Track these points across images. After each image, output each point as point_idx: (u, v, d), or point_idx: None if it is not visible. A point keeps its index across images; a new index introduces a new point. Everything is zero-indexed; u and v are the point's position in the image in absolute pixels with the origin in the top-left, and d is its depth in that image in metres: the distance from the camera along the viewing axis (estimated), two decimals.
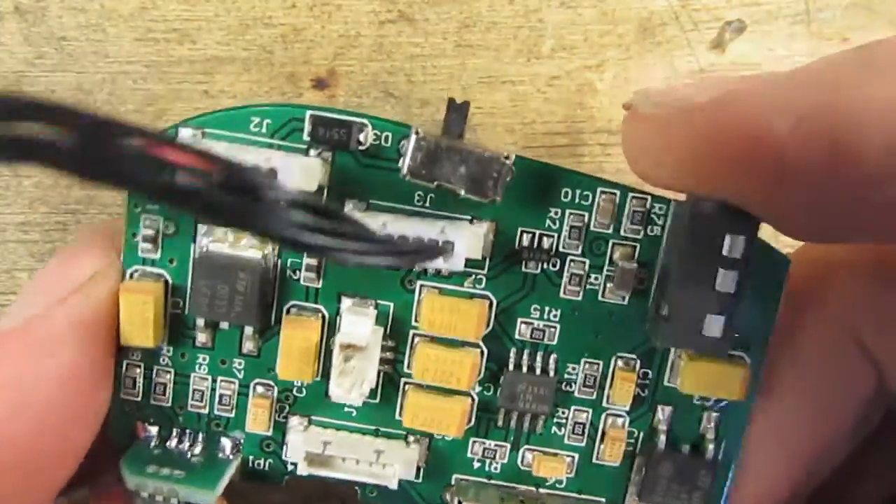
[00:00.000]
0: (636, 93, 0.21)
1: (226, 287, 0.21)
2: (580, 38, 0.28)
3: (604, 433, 0.24)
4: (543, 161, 0.22)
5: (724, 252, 0.20)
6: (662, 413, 0.23)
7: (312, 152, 0.22)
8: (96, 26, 0.28)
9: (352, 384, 0.22)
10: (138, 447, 0.23)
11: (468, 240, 0.21)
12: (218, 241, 0.22)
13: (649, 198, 0.22)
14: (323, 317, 0.23)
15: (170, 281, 0.22)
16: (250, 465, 0.24)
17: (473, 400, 0.23)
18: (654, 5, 0.27)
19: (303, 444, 0.23)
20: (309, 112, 0.22)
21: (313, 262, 0.22)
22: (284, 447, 0.24)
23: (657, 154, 0.20)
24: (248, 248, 0.22)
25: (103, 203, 0.29)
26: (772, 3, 0.27)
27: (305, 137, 0.22)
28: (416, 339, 0.23)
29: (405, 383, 0.23)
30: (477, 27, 0.28)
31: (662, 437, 0.23)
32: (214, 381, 0.23)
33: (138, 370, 0.23)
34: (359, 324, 0.22)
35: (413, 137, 0.20)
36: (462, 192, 0.20)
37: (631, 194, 0.22)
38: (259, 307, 0.22)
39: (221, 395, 0.23)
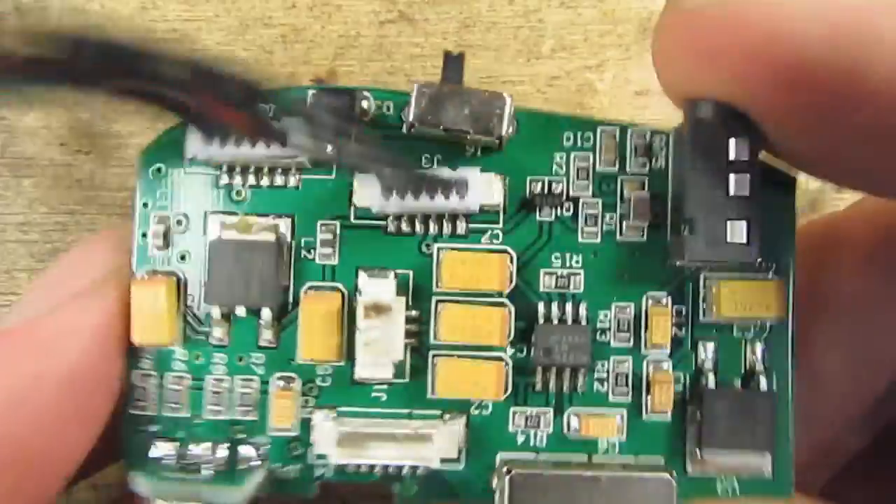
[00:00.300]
0: None
1: (242, 269, 0.21)
2: (580, 38, 0.28)
3: (648, 382, 0.22)
4: (540, 111, 0.22)
5: (731, 157, 0.20)
6: (705, 351, 0.22)
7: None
8: (96, 27, 0.28)
9: (377, 355, 0.21)
10: (154, 461, 0.22)
11: (481, 182, 0.21)
12: (229, 230, 0.21)
13: (649, 131, 0.22)
14: (342, 293, 0.22)
15: (182, 278, 0.22)
16: (278, 474, 0.22)
17: (507, 364, 0.22)
18: (654, 5, 0.28)
19: (334, 427, 0.21)
20: (311, 92, 0.22)
21: (329, 236, 0.22)
22: (311, 447, 0.22)
23: (693, 51, 0.19)
24: (260, 231, 0.21)
25: (103, 203, 0.29)
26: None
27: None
28: (440, 305, 0.22)
29: (434, 355, 0.22)
30: (477, 27, 0.28)
31: (711, 377, 0.22)
32: (233, 381, 0.22)
33: (150, 380, 0.22)
34: (380, 284, 0.21)
35: (416, 87, 0.20)
36: (470, 132, 0.20)
37: (630, 129, 0.22)
38: (277, 286, 0.21)
39: (242, 395, 0.22)
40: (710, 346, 0.22)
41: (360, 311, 0.21)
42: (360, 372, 0.21)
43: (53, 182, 0.29)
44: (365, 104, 0.21)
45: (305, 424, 0.22)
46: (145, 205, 0.22)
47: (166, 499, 0.21)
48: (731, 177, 0.20)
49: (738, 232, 0.20)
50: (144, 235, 0.22)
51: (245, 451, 0.22)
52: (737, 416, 0.22)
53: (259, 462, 0.22)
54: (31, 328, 0.20)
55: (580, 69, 0.28)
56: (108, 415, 0.21)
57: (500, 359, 0.22)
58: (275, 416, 0.22)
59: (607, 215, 0.22)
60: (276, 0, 0.27)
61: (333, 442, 0.21)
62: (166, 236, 0.22)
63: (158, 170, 0.22)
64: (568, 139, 0.22)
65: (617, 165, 0.22)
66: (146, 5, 0.27)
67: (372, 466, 0.22)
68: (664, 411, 0.22)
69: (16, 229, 0.29)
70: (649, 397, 0.22)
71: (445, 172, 0.21)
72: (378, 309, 0.21)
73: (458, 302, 0.22)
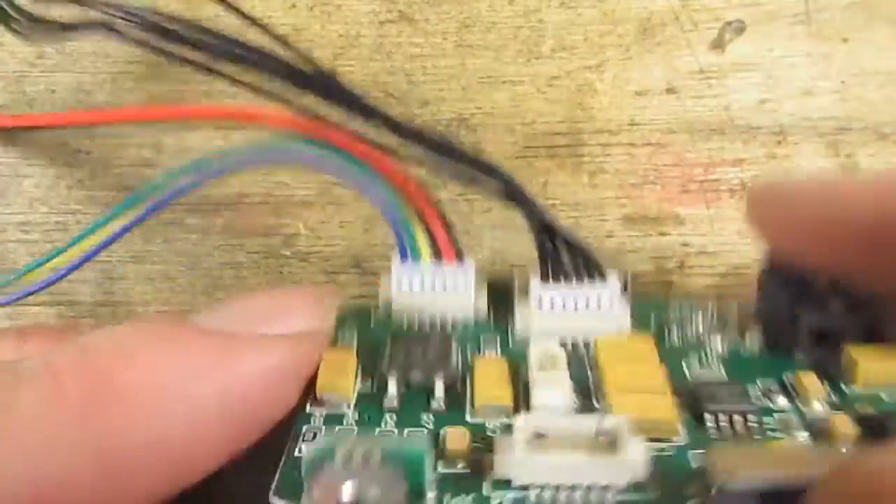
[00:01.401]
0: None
1: (419, 348, 0.23)
2: (580, 38, 0.28)
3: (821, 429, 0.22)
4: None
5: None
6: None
7: None
8: None
9: (551, 390, 0.22)
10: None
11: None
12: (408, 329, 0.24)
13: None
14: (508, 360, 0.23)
15: (364, 348, 0.24)
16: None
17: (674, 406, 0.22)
18: (654, 5, 0.28)
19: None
20: None
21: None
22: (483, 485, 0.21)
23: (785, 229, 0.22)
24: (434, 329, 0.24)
25: (103, 203, 0.29)
26: (772, 3, 0.28)
27: None
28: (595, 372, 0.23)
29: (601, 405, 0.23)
30: (477, 27, 0.28)
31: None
32: (402, 433, 0.22)
33: (320, 432, 0.22)
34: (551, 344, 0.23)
35: None
36: None
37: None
38: (450, 361, 0.23)
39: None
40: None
41: (534, 364, 0.22)
42: (539, 398, 0.22)
43: (53, 182, 0.29)
44: None
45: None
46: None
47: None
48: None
49: None
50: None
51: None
52: None
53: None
54: (219, 333, 0.21)
55: (580, 69, 0.28)
56: (235, 454, 0.21)
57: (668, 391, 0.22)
58: (449, 441, 0.21)
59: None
60: (276, 0, 0.27)
61: (524, 440, 0.21)
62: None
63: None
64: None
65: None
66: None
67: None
68: None
69: (16, 229, 0.29)
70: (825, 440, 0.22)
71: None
72: (553, 361, 0.22)
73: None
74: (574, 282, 0.23)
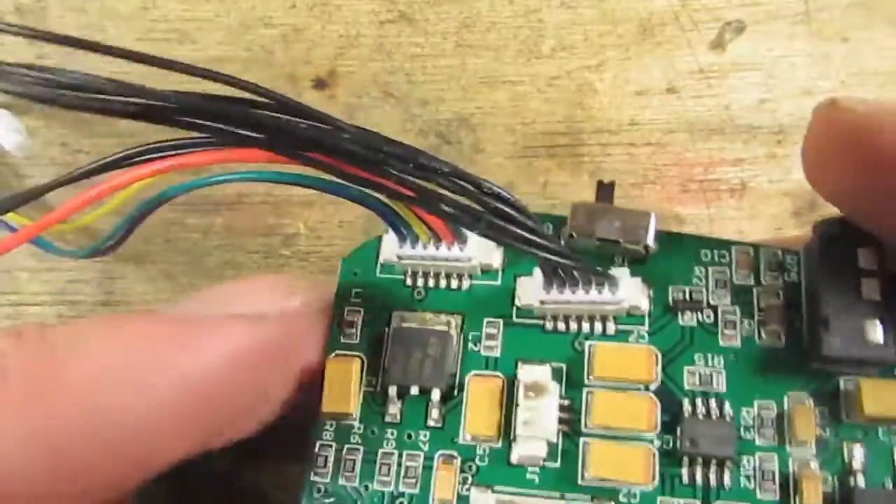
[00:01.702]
0: (843, 98, 0.22)
1: (419, 352, 0.24)
2: (580, 38, 0.28)
3: (796, 480, 0.23)
4: (677, 232, 0.24)
5: (861, 265, 0.21)
6: (852, 451, 0.23)
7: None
8: (96, 26, 0.28)
9: (534, 433, 0.23)
10: None
11: (630, 283, 0.24)
12: (409, 322, 0.25)
13: (779, 251, 0.24)
14: (503, 379, 0.24)
15: (365, 360, 0.25)
16: None
17: (654, 452, 0.23)
18: (654, 5, 0.28)
19: (491, 497, 0.24)
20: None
21: (493, 331, 0.25)
22: None
23: (848, 156, 0.21)
24: (435, 324, 0.25)
25: (103, 203, 0.29)
26: (772, 3, 0.28)
27: None
28: (589, 394, 0.24)
29: (584, 442, 0.24)
30: (477, 27, 0.28)
31: (860, 477, 0.23)
32: (401, 454, 0.24)
33: (330, 450, 0.24)
34: (537, 369, 0.24)
35: (572, 205, 0.23)
36: (620, 241, 0.23)
37: (761, 248, 0.24)
38: (446, 369, 0.24)
39: (407, 468, 0.24)
40: (857, 446, 0.23)
41: (520, 390, 0.23)
42: (518, 450, 0.23)
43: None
44: None
45: (462, 500, 0.24)
46: (341, 302, 0.25)
47: None
48: (862, 281, 0.22)
49: (875, 331, 0.21)
50: (339, 325, 0.25)
51: None
52: None
53: None
54: (179, 320, 0.21)
55: (580, 69, 0.28)
56: (202, 444, 0.21)
57: (648, 446, 0.23)
58: (438, 489, 0.24)
59: (745, 321, 0.24)
60: (276, 0, 0.27)
61: None
62: (355, 326, 0.25)
63: (355, 273, 0.25)
64: (705, 255, 0.24)
65: (752, 279, 0.24)
66: (146, 5, 0.27)
67: None
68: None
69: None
70: (798, 496, 0.23)
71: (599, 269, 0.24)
72: (536, 388, 0.24)
73: (609, 388, 0.24)
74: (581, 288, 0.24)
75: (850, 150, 0.20)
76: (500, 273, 0.25)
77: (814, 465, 0.23)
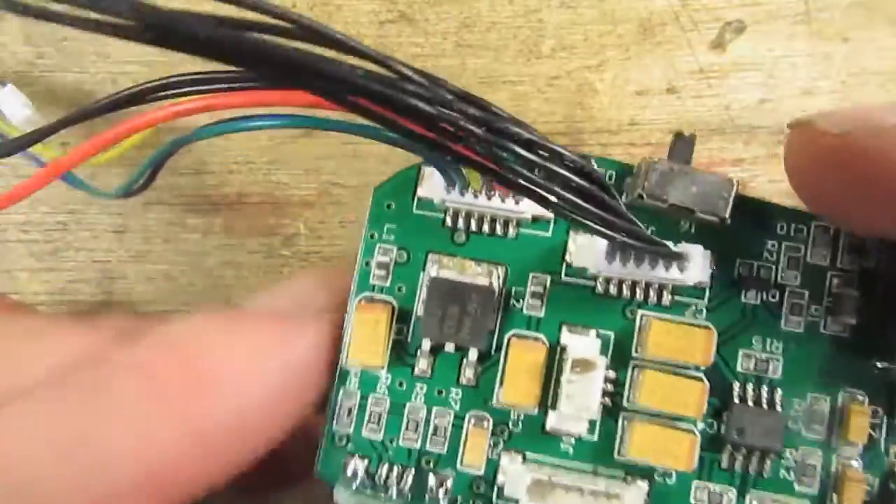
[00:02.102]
0: (815, 114, 0.21)
1: (457, 308, 0.22)
2: (580, 38, 0.28)
3: (837, 477, 0.22)
4: (758, 199, 0.23)
5: None
6: None
7: None
8: None
9: (576, 410, 0.22)
10: (347, 480, 0.23)
11: (701, 263, 0.22)
12: (447, 269, 0.23)
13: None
14: (546, 345, 0.23)
15: (396, 307, 0.23)
16: None
17: (698, 438, 0.22)
18: (654, 5, 0.28)
19: (527, 473, 0.22)
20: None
21: (539, 289, 0.23)
22: (496, 490, 0.23)
23: (829, 174, 0.20)
24: (475, 275, 0.23)
25: (103, 203, 0.29)
26: (772, 3, 0.28)
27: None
28: (637, 370, 0.23)
29: (624, 417, 0.23)
30: (477, 27, 0.28)
31: None
32: (430, 411, 0.23)
33: (354, 398, 0.23)
34: (588, 342, 0.22)
35: (645, 162, 0.21)
36: (696, 210, 0.21)
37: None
38: (486, 329, 0.22)
39: (436, 427, 0.23)
40: None
41: (568, 364, 0.22)
42: (555, 423, 0.22)
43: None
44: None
45: (491, 464, 0.23)
46: (372, 236, 0.23)
47: None
48: None
49: None
50: (367, 264, 0.23)
51: (431, 480, 0.23)
52: None
53: (443, 494, 0.23)
54: (272, 316, 0.22)
55: (580, 69, 0.28)
56: (291, 426, 0.23)
57: (692, 431, 0.22)
58: (468, 452, 0.23)
59: (812, 307, 0.22)
60: (276, 0, 0.27)
61: (524, 486, 0.22)
62: (387, 267, 0.23)
63: (389, 206, 0.23)
64: (781, 228, 0.23)
65: (828, 260, 0.22)
66: None
67: None
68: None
69: (16, 229, 0.29)
70: (836, 494, 0.22)
71: (672, 246, 0.22)
72: (585, 365, 0.22)
73: (659, 366, 0.22)
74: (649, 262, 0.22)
75: (832, 172, 0.20)
76: (551, 224, 0.23)
77: (857, 465, 0.22)
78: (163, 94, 0.18)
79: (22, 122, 0.26)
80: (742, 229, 0.22)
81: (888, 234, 0.21)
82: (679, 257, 0.21)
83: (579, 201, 0.19)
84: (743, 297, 0.22)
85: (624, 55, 0.28)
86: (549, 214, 0.22)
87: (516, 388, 0.22)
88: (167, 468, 0.20)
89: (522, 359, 0.22)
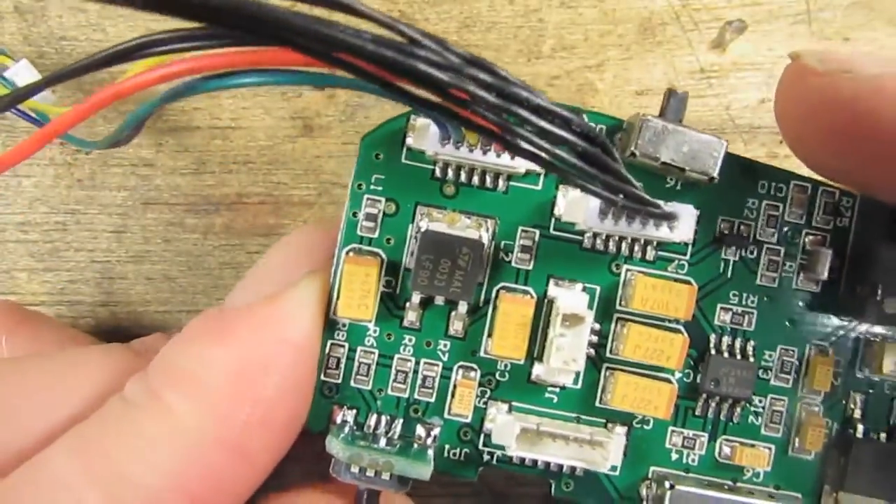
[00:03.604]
0: (810, 51, 0.22)
1: (448, 262, 0.22)
2: (580, 38, 0.28)
3: (800, 422, 0.24)
4: (742, 157, 0.23)
5: None
6: (855, 402, 0.24)
7: None
8: (96, 26, 0.28)
9: (564, 362, 0.22)
10: (338, 429, 0.23)
11: (689, 223, 0.22)
12: (437, 221, 0.22)
13: (837, 192, 0.23)
14: (534, 301, 0.23)
15: (385, 259, 0.23)
16: (445, 454, 0.24)
17: (675, 386, 0.23)
18: (655, 5, 0.27)
19: (514, 422, 0.23)
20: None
21: (528, 243, 0.23)
22: (482, 438, 0.24)
23: (812, 116, 0.21)
24: (465, 228, 0.22)
25: (102, 203, 0.29)
26: (772, 3, 0.27)
27: None
28: (620, 323, 0.23)
29: (607, 368, 0.24)
30: (477, 27, 0.28)
31: (859, 427, 0.24)
32: (418, 362, 0.23)
33: (342, 350, 0.23)
34: (577, 297, 0.23)
35: (640, 119, 0.21)
36: (686, 169, 0.22)
37: (822, 188, 0.23)
38: (476, 282, 0.23)
39: (425, 377, 0.23)
40: (860, 397, 0.24)
41: (557, 319, 0.22)
42: (542, 374, 0.23)
43: (53, 182, 0.29)
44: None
45: (478, 413, 0.24)
46: (359, 186, 0.23)
47: (358, 464, 0.23)
48: None
49: None
50: (355, 215, 0.23)
51: (419, 429, 0.23)
52: (880, 467, 0.23)
53: (431, 441, 0.23)
54: (269, 302, 0.22)
55: (580, 69, 0.28)
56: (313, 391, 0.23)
57: (670, 381, 0.23)
58: (456, 402, 0.23)
59: (787, 263, 0.24)
60: (275, 0, 0.27)
61: (513, 435, 0.23)
62: (375, 219, 0.23)
63: (377, 156, 0.23)
64: (763, 187, 0.23)
65: (804, 219, 0.23)
66: None
67: (536, 461, 0.23)
68: (811, 452, 0.24)
69: (16, 229, 0.29)
70: (798, 437, 0.24)
71: (664, 206, 0.22)
72: (574, 319, 0.22)
73: (640, 323, 0.23)
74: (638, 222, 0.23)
75: (815, 114, 0.20)
76: (541, 178, 0.23)
77: (818, 409, 0.24)
78: (152, 50, 0.18)
79: (37, 98, 0.25)
80: (726, 187, 0.23)
81: (866, 186, 0.22)
82: (671, 217, 0.22)
83: (585, 166, 0.19)
84: (723, 254, 0.23)
85: (624, 55, 0.28)
86: (540, 169, 0.22)
87: (505, 341, 0.23)
88: (209, 483, 0.21)
89: (511, 312, 0.23)
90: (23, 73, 0.26)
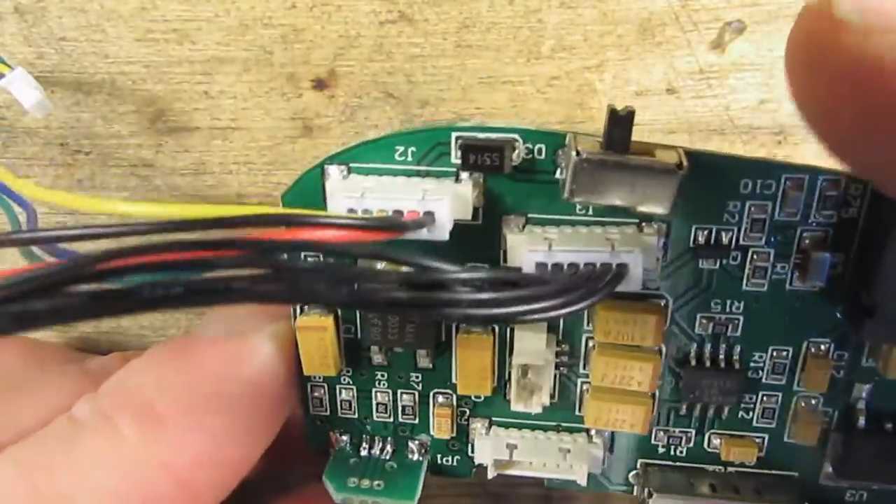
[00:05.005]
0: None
1: (396, 317, 0.22)
2: (580, 39, 0.28)
3: (795, 414, 0.22)
4: (715, 152, 0.20)
5: None
6: (860, 391, 0.22)
7: (463, 175, 0.21)
8: (96, 26, 0.28)
9: (530, 396, 0.23)
10: (336, 460, 0.24)
11: (644, 255, 0.20)
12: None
13: (843, 179, 0.20)
14: (493, 330, 0.23)
15: (339, 311, 0.23)
16: (439, 461, 0.25)
17: (651, 402, 0.22)
18: (654, 5, 0.27)
19: (490, 450, 0.23)
20: (455, 135, 0.21)
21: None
22: (470, 446, 0.24)
23: (835, 78, 0.16)
24: None
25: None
26: (772, 3, 0.27)
27: (454, 161, 0.21)
28: (591, 343, 0.22)
29: (582, 382, 0.23)
30: (477, 27, 0.28)
31: (861, 418, 0.22)
32: (395, 394, 0.24)
33: (323, 390, 0.24)
34: (533, 340, 0.22)
35: (573, 160, 0.18)
36: (636, 209, 0.19)
37: (822, 177, 0.20)
38: (431, 332, 0.22)
39: (404, 406, 0.24)
40: (866, 387, 0.22)
41: (513, 370, 0.23)
42: (515, 406, 0.23)
43: (53, 182, 0.29)
44: (515, 154, 0.21)
45: (463, 428, 0.24)
46: None
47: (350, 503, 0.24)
48: None
49: None
50: None
51: (410, 445, 0.25)
52: (881, 458, 0.21)
53: (422, 455, 0.25)
54: (235, 338, 0.23)
55: (580, 69, 0.28)
56: (272, 435, 0.24)
57: (646, 400, 0.22)
58: (436, 429, 0.24)
59: (778, 265, 0.21)
60: (276, 0, 0.27)
61: (490, 459, 0.24)
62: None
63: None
64: (745, 186, 0.20)
65: (799, 216, 0.20)
66: (146, 5, 0.27)
67: None
68: (807, 442, 0.22)
69: None
70: (794, 426, 0.23)
71: (604, 246, 0.20)
72: (533, 366, 0.22)
73: (608, 346, 0.22)
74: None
75: (841, 75, 0.15)
76: (479, 213, 0.22)
77: (816, 403, 0.22)
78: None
79: (33, 105, 0.25)
80: (700, 190, 0.20)
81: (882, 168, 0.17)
82: (618, 279, 0.20)
83: (505, 310, 0.17)
84: (700, 263, 0.21)
85: (624, 55, 0.28)
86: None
87: (468, 381, 0.23)
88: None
89: (470, 357, 0.23)
90: (17, 83, 0.26)
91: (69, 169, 0.29)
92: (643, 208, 0.18)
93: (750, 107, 0.28)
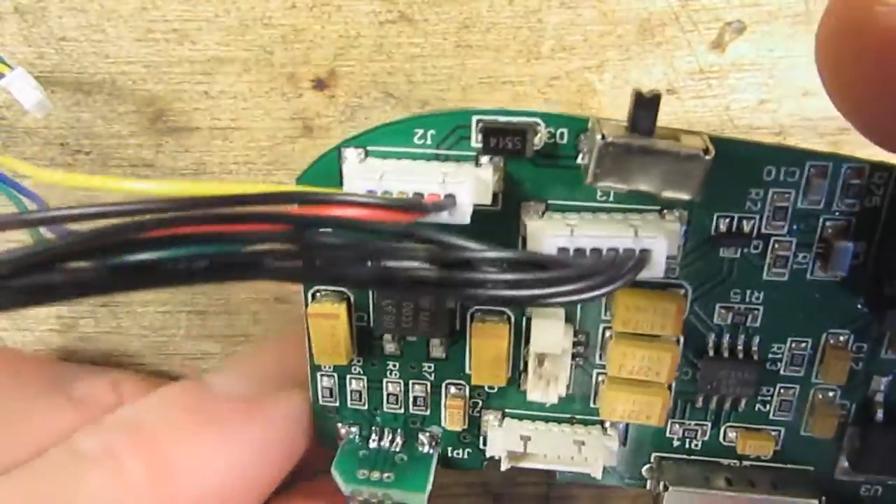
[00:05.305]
0: None
1: (410, 303, 0.21)
2: (580, 39, 0.28)
3: (813, 407, 0.22)
4: (739, 139, 0.20)
5: None
6: (878, 384, 0.22)
7: (483, 159, 0.21)
8: (96, 26, 0.28)
9: (547, 386, 0.22)
10: (344, 451, 0.24)
11: (668, 241, 0.19)
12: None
13: (867, 167, 0.20)
14: (509, 318, 0.22)
15: (352, 298, 0.22)
16: (449, 454, 0.24)
17: (668, 395, 0.22)
18: (654, 6, 0.27)
19: (502, 442, 0.23)
20: (476, 119, 0.20)
21: None
22: (482, 438, 0.24)
23: (869, 59, 0.16)
24: None
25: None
26: (772, 3, 0.27)
27: (475, 144, 0.21)
28: (608, 333, 0.22)
29: (598, 373, 0.23)
30: (477, 27, 0.28)
31: (879, 411, 0.22)
32: (406, 384, 0.23)
33: (332, 380, 0.24)
34: (550, 329, 0.21)
35: (598, 143, 0.18)
36: (660, 195, 0.18)
37: (845, 165, 0.20)
38: (445, 319, 0.22)
39: (415, 397, 0.23)
40: (884, 380, 0.22)
41: (530, 359, 0.22)
42: (531, 395, 0.23)
43: (53, 182, 0.29)
44: (536, 139, 0.20)
45: (475, 420, 0.24)
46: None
47: (358, 498, 0.23)
48: None
49: None
50: None
51: (421, 437, 0.24)
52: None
53: (433, 447, 0.24)
54: (261, 405, 0.24)
55: (580, 69, 0.28)
56: (284, 475, 0.25)
57: (663, 392, 0.22)
58: (448, 420, 0.24)
59: (800, 254, 0.21)
60: (276, 0, 0.27)
61: (504, 452, 0.23)
62: None
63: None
64: (769, 174, 0.20)
65: (822, 204, 0.20)
66: (146, 5, 0.27)
67: None
68: (824, 436, 0.22)
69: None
70: (811, 419, 0.22)
71: (627, 232, 0.19)
72: (550, 356, 0.22)
73: (627, 335, 0.21)
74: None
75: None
76: (500, 198, 0.21)
77: (834, 395, 0.22)
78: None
79: (33, 105, 0.25)
80: (723, 177, 0.20)
81: None
82: (641, 265, 0.19)
83: (529, 292, 0.17)
84: (721, 252, 0.21)
85: (624, 55, 0.28)
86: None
87: (482, 371, 0.22)
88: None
89: (485, 346, 0.22)
90: (17, 83, 0.25)
91: (69, 169, 0.29)
92: (668, 194, 0.18)
93: (750, 107, 0.28)
